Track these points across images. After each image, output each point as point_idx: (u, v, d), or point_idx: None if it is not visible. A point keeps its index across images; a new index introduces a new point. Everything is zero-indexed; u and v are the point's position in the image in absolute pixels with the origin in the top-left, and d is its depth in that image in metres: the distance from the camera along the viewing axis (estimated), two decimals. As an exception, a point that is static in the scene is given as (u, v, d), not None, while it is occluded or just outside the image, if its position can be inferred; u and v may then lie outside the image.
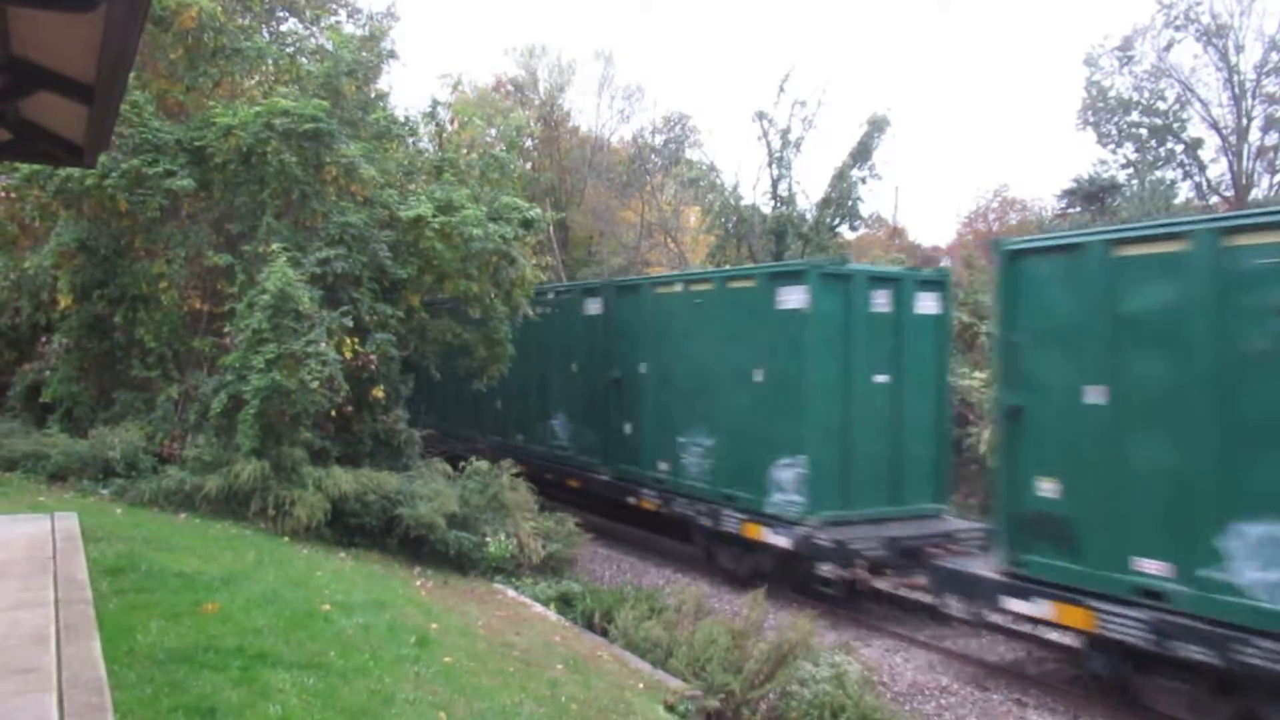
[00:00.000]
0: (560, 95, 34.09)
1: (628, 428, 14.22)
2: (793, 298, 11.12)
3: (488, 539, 10.82)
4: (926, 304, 11.62)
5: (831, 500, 10.93)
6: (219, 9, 12.59)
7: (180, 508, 10.20)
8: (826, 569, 10.80)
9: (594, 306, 15.30)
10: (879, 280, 11.50)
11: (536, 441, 16.55)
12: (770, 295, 11.40)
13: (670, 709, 7.13)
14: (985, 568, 8.99)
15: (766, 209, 28.32)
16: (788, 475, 11.08)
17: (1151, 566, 7.49)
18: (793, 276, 11.27)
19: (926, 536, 10.70)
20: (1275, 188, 33.55)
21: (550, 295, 16.67)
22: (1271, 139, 33.62)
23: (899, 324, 11.36)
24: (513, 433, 17.32)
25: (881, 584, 10.98)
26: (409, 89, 62.76)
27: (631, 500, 13.93)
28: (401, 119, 14.81)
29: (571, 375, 15.69)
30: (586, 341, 15.38)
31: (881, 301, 11.32)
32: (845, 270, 11.50)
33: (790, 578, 11.44)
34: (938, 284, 11.87)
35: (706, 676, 7.69)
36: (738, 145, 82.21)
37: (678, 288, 13.55)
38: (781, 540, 10.91)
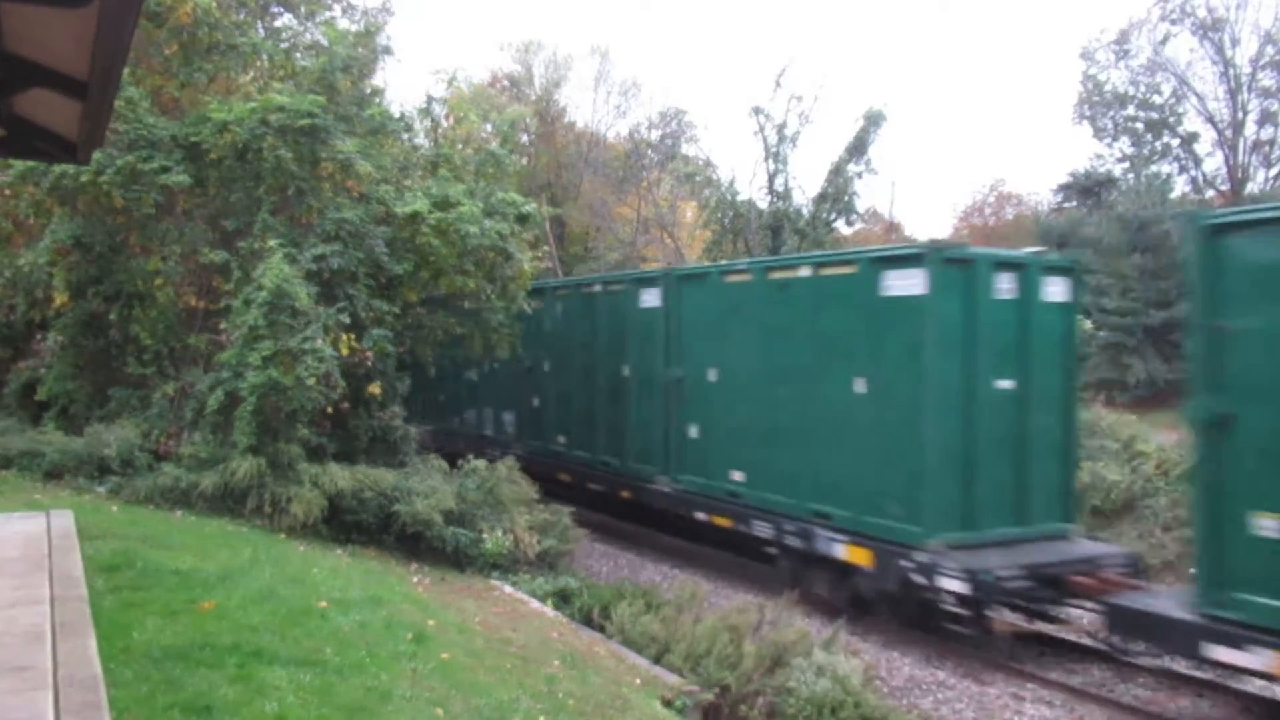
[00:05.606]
0: (556, 91, 34.12)
1: (693, 432, 12.77)
2: (906, 285, 9.71)
3: (484, 535, 10.83)
4: (1054, 291, 10.22)
5: (952, 520, 9.45)
6: (214, 4, 12.53)
7: (176, 505, 10.19)
8: (953, 601, 9.03)
9: (651, 299, 13.78)
10: (1003, 266, 10.01)
11: (581, 448, 15.10)
12: (875, 283, 9.97)
13: (668, 704, 7.14)
14: (1177, 609, 7.73)
15: (763, 204, 28.37)
16: (900, 488, 9.68)
17: None
18: (908, 260, 9.82)
19: (1068, 563, 9.28)
20: (1271, 181, 33.62)
21: (598, 287, 15.37)
22: (1267, 133, 33.70)
23: (1024, 316, 9.93)
24: (553, 437, 15.81)
25: (1018, 619, 9.53)
26: (404, 85, 62.82)
27: (701, 516, 12.33)
28: (397, 115, 14.78)
29: (623, 374, 14.23)
30: (642, 337, 13.90)
31: (1006, 289, 9.89)
32: (967, 254, 10.06)
33: (902, 609, 9.87)
34: (1066, 270, 10.43)
35: (704, 672, 7.71)
36: (734, 140, 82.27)
37: (756, 275, 11.93)
38: None
